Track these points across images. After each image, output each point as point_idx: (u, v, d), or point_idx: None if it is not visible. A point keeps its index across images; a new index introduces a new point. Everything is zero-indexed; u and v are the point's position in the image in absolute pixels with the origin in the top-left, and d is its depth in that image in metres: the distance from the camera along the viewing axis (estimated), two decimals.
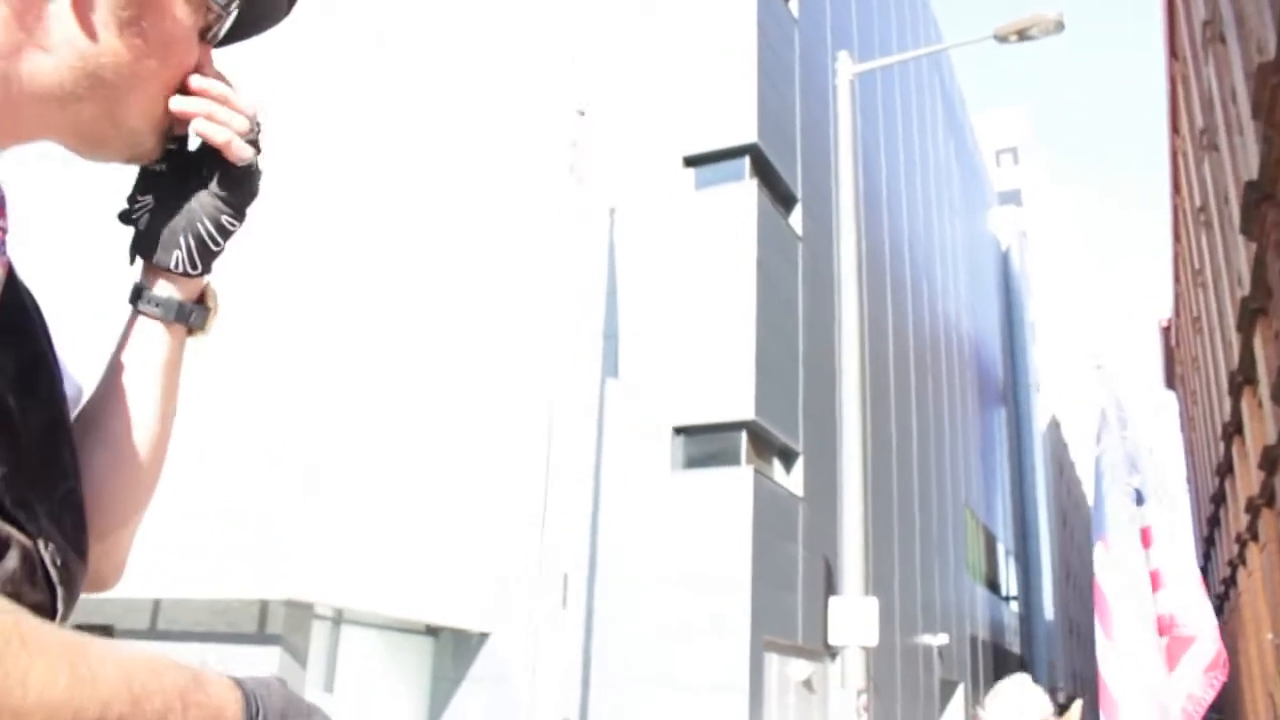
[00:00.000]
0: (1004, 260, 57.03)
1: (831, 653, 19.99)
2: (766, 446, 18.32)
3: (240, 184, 1.06)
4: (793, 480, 18.92)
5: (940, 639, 28.17)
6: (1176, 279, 73.60)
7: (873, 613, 11.35)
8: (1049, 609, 57.78)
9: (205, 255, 1.06)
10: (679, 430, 17.88)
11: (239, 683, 0.82)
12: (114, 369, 1.06)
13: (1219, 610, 60.49)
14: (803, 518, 18.69)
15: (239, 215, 1.07)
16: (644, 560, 16.92)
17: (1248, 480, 41.75)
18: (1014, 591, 46.83)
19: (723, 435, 17.55)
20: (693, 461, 17.76)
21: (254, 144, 1.05)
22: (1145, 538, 2.76)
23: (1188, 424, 78.33)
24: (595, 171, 17.52)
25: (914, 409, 28.89)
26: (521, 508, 17.57)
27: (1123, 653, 2.65)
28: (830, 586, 19.87)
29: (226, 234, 1.07)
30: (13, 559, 0.82)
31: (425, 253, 19.57)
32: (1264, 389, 34.06)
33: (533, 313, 19.02)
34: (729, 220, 18.18)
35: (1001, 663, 40.50)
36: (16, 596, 0.79)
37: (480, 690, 17.71)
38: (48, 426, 0.89)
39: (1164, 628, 2.70)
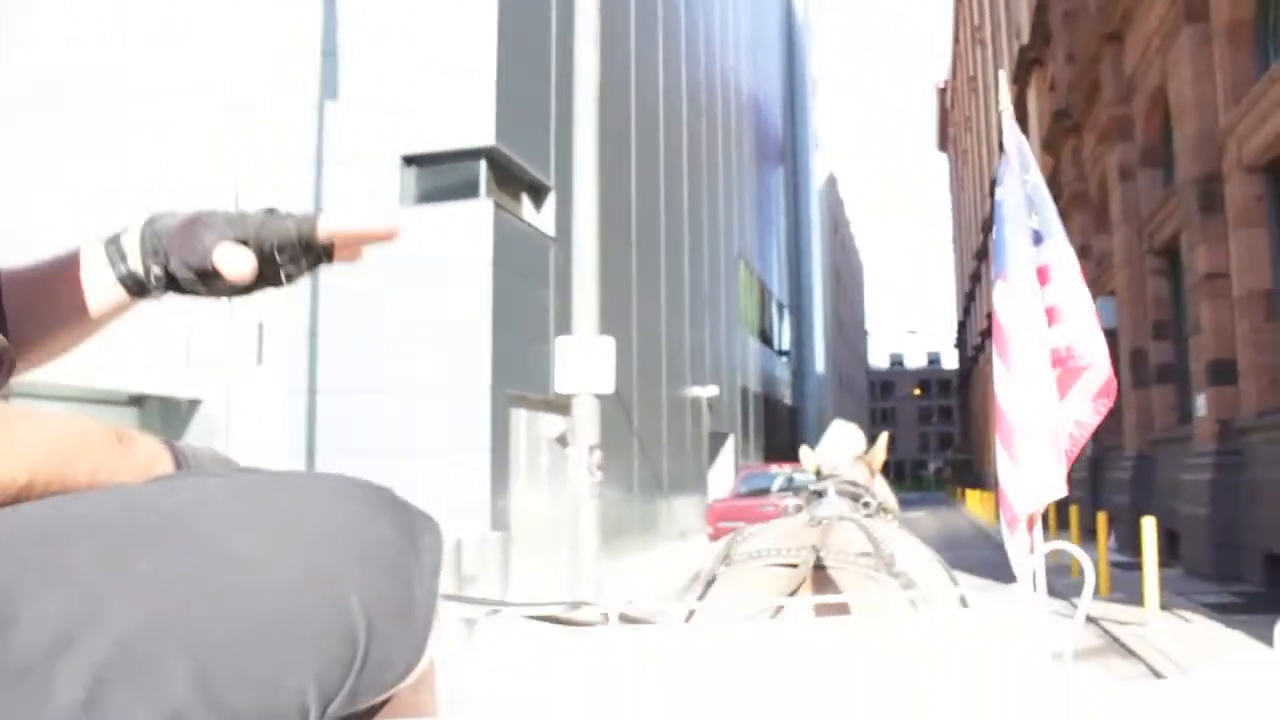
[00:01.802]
0: (788, 8, 54.94)
1: None
2: (511, 179, 16.16)
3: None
4: (543, 218, 16.94)
5: (710, 390, 27.50)
6: (956, 39, 73.91)
7: (607, 355, 9.65)
8: (820, 361, 59.31)
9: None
10: (409, 160, 15.46)
11: (165, 440, 0.84)
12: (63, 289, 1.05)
13: (975, 360, 63.88)
14: (554, 259, 16.82)
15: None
16: (369, 310, 14.72)
17: None
18: (787, 345, 47.28)
19: (459, 165, 15.27)
20: (425, 195, 15.48)
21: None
22: (1043, 275, 2.74)
23: (957, 184, 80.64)
24: None
25: (685, 158, 27.11)
26: None
27: (1020, 381, 2.63)
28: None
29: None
30: None
31: None
32: (1033, 142, 34.20)
33: (236, 26, 15.77)
34: None
35: (773, 414, 41.00)
36: None
37: None
38: None
39: (1058, 360, 2.67)
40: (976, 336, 61.01)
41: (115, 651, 0.61)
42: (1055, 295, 2.72)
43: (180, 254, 1.03)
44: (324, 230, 1.07)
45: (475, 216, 14.85)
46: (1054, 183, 27.98)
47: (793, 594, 2.37)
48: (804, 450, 3.44)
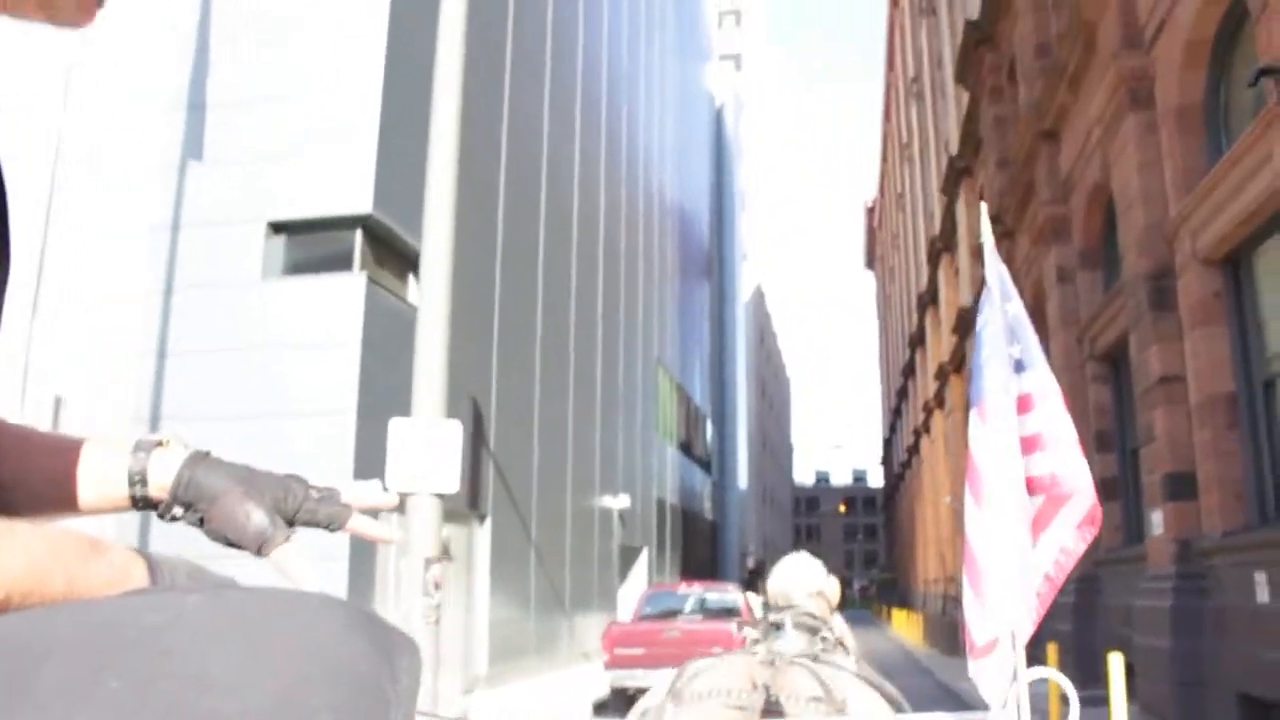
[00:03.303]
0: (717, 122, 54.77)
1: (480, 513, 16.71)
2: (392, 253, 14.47)
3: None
4: None
5: (622, 501, 25.61)
6: (884, 158, 74.75)
7: (453, 445, 7.77)
8: (743, 475, 57.63)
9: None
10: (276, 226, 13.71)
11: (139, 550, 0.84)
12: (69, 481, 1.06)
13: (901, 478, 62.84)
14: None
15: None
16: (225, 391, 12.80)
17: (938, 347, 42.08)
18: (709, 457, 45.59)
19: (331, 234, 13.56)
20: (293, 266, 13.69)
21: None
22: (1025, 404, 2.79)
23: (884, 301, 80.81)
24: None
25: (601, 257, 25.70)
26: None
27: (991, 518, 2.61)
28: (478, 429, 16.46)
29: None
30: None
31: None
32: (963, 253, 33.54)
33: (88, 74, 14.05)
34: None
35: (692, 528, 39.06)
36: None
37: None
38: None
39: (1041, 488, 2.67)
40: (903, 454, 60.13)
41: None
42: (1038, 424, 2.72)
43: (222, 527, 1.05)
44: (351, 529, 1.12)
45: (346, 291, 13.10)
46: (985, 284, 27.06)
47: None
48: (760, 593, 2.99)
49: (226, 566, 0.95)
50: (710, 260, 49.64)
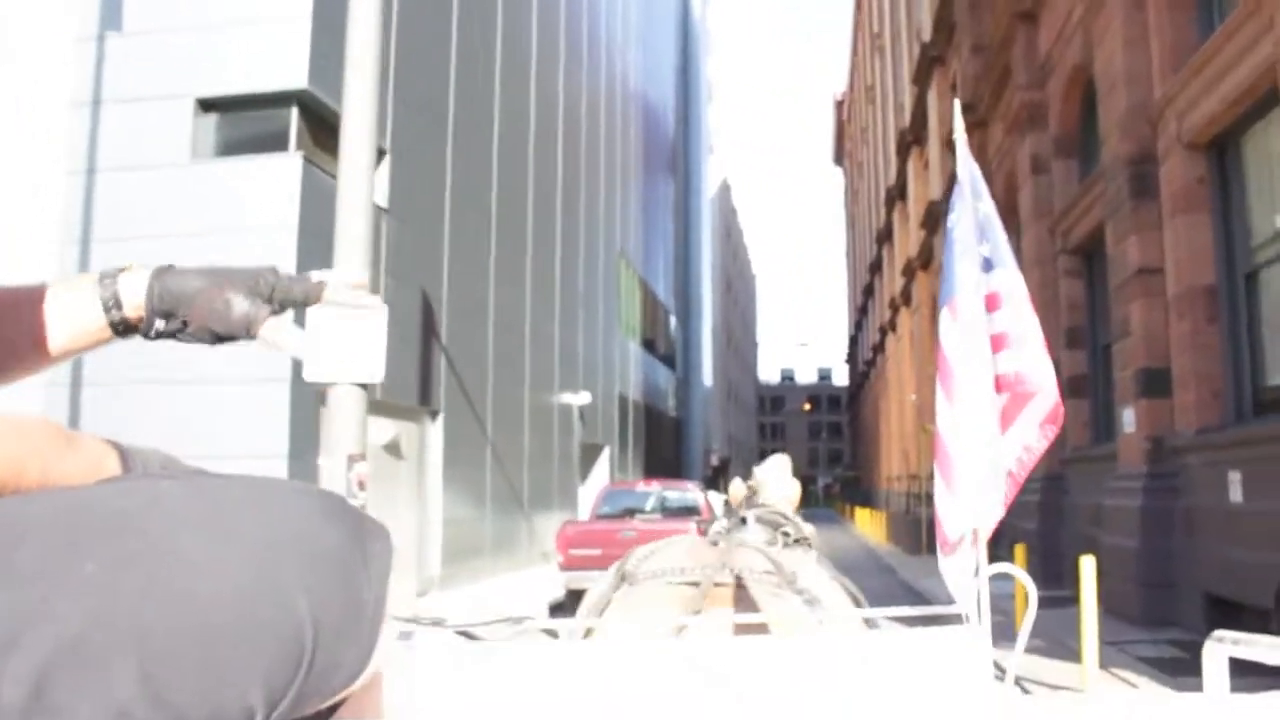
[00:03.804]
0: (684, 7, 53.04)
1: (432, 410, 16.12)
2: (327, 130, 13.52)
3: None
4: (375, 186, 14.33)
5: (582, 397, 25.08)
6: (854, 50, 73.12)
7: (377, 328, 7.12)
8: (708, 373, 57.30)
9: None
10: (205, 104, 12.76)
11: (112, 441, 0.85)
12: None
13: (866, 376, 62.83)
14: (388, 235, 14.28)
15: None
16: None
17: (906, 243, 41.51)
18: (673, 353, 45.12)
19: (265, 112, 12.63)
20: (225, 146, 12.79)
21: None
22: (993, 302, 2.77)
23: (851, 197, 79.88)
24: None
25: (560, 145, 24.71)
26: None
27: (961, 411, 2.68)
28: (429, 323, 15.78)
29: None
30: None
31: None
32: (933, 145, 32.77)
33: None
34: None
35: (655, 426, 38.75)
36: None
37: None
38: None
39: (1006, 386, 2.71)
40: (868, 352, 60.00)
41: (60, 650, 0.62)
42: (1004, 322, 2.72)
43: (207, 322, 1.07)
44: (329, 298, 1.16)
45: (282, 173, 12.23)
46: (956, 180, 26.37)
47: (697, 612, 2.41)
48: (736, 481, 3.50)
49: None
50: (675, 152, 48.46)
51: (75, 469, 0.77)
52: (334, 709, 0.73)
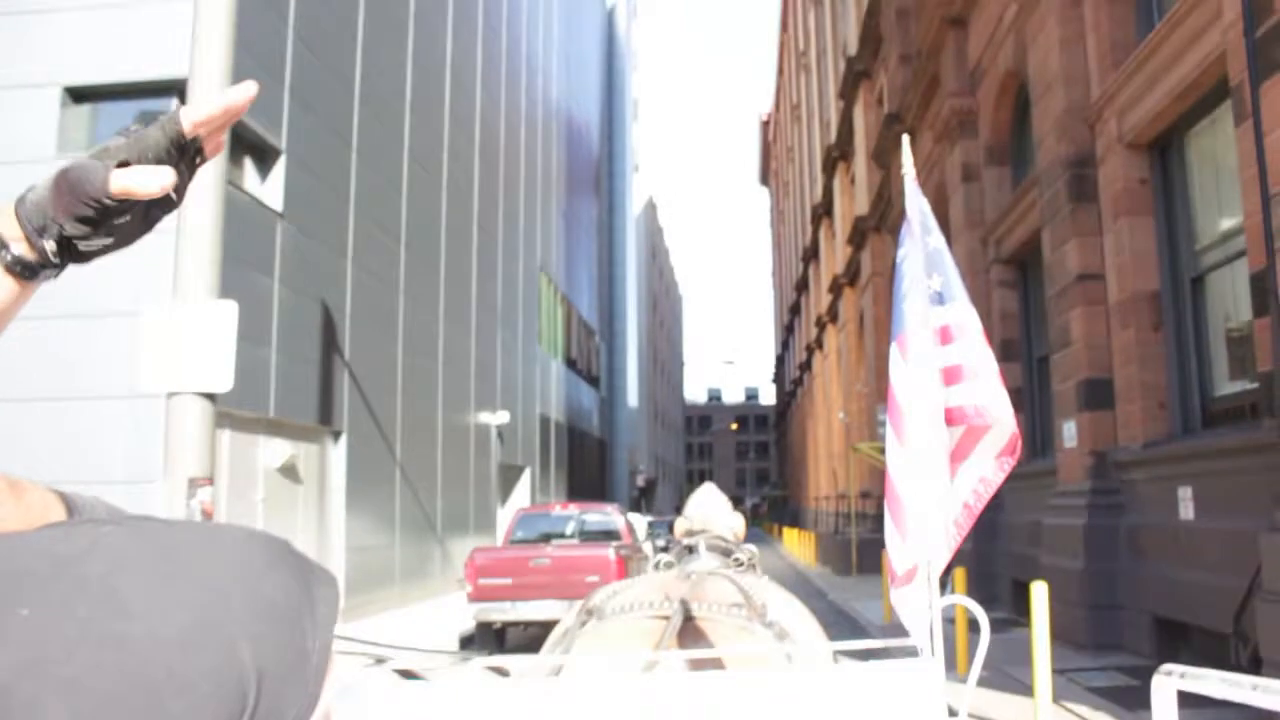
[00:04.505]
0: (609, 25, 52.46)
1: (334, 430, 15.06)
2: (228, 135, 12.53)
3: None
4: (269, 188, 13.32)
5: (500, 417, 24.08)
6: (780, 70, 73.21)
7: (225, 332, 6.09)
8: (634, 393, 56.46)
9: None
10: (75, 93, 11.65)
11: (57, 490, 0.84)
12: None
13: (793, 395, 62.51)
14: (282, 241, 13.26)
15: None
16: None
17: (832, 261, 41.19)
18: (597, 373, 44.21)
19: (142, 102, 11.56)
20: (96, 140, 11.67)
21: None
22: (946, 335, 2.79)
23: (778, 218, 79.84)
24: None
25: (478, 156, 23.80)
26: None
27: (912, 454, 2.66)
28: (330, 338, 14.73)
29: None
30: None
31: None
32: (859, 160, 32.43)
33: None
34: None
35: (579, 446, 37.79)
36: None
37: None
38: None
39: (961, 419, 2.73)
40: (795, 371, 59.68)
41: None
42: (959, 355, 2.71)
43: (71, 210, 0.93)
44: (189, 125, 0.97)
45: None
46: (883, 195, 25.98)
47: (667, 646, 2.39)
48: (679, 519, 3.58)
49: None
50: (599, 169, 47.72)
51: (19, 516, 0.77)
52: None
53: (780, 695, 1.82)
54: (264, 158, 13.24)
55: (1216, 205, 9.79)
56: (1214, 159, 9.88)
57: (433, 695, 1.82)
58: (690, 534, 3.40)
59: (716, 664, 2.21)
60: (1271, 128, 7.29)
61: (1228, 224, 9.48)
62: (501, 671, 2.33)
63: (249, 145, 13.03)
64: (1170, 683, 1.85)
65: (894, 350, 2.74)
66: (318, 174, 14.43)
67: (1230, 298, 9.58)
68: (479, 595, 12.14)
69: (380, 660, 2.03)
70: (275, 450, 13.24)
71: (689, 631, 2.44)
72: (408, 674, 2.03)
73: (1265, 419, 7.99)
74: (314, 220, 14.32)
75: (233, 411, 12.16)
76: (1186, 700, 1.70)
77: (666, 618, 2.44)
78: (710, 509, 3.56)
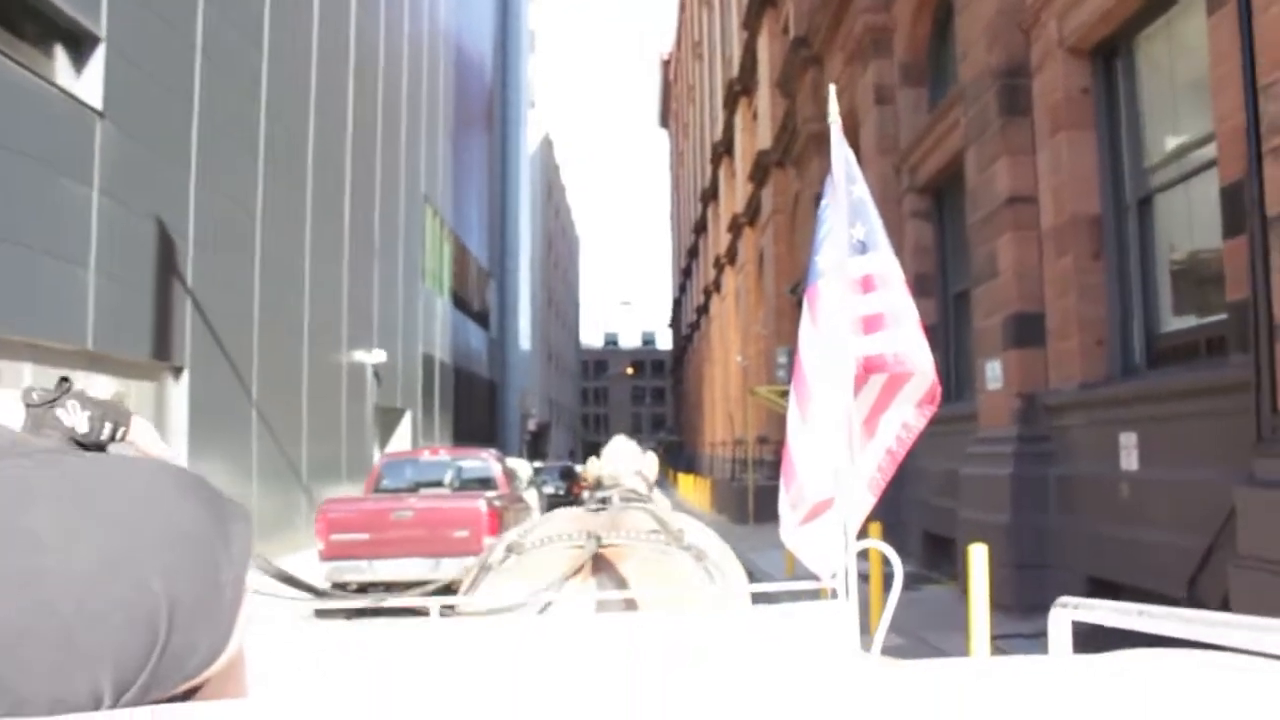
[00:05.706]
0: None
1: (174, 366, 13.30)
2: (29, 15, 10.57)
3: None
4: (85, 82, 11.39)
5: (377, 355, 22.33)
6: (683, 7, 71.41)
7: None
8: (526, 335, 54.77)
9: None
10: None
11: None
12: None
13: (690, 339, 61.58)
14: (103, 144, 11.40)
15: None
16: None
17: (732, 200, 39.96)
18: (488, 313, 42.44)
19: None
20: None
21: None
22: (868, 283, 2.78)
23: (677, 159, 78.41)
24: None
25: (351, 78, 21.85)
26: None
27: (817, 425, 2.67)
28: (168, 261, 12.93)
29: None
30: None
31: None
32: (762, 93, 31.09)
33: None
34: None
35: (467, 389, 36.14)
36: None
37: None
38: None
39: (880, 365, 2.75)
40: (692, 315, 58.69)
41: None
42: (880, 304, 2.74)
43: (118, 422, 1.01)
44: (131, 439, 1.02)
45: None
46: (788, 127, 24.70)
47: (578, 574, 2.45)
48: (590, 461, 3.70)
49: None
50: (493, 102, 45.58)
51: None
52: (192, 692, 0.68)
53: (693, 637, 1.86)
54: (79, 45, 11.31)
55: (1171, 118, 8.67)
56: (1168, 66, 8.74)
57: (348, 634, 1.90)
58: (601, 485, 3.50)
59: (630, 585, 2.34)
60: (1266, 5, 6.09)
61: (1183, 138, 8.36)
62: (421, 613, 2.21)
63: (60, 31, 11.09)
64: (1065, 614, 1.67)
65: (804, 315, 2.76)
66: (147, 70, 12.50)
67: (1184, 222, 8.49)
68: (331, 553, 10.63)
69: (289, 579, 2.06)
70: (96, 388, 11.45)
71: (610, 558, 2.51)
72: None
73: (1235, 355, 6.90)
74: (144, 124, 12.42)
75: (37, 341, 10.37)
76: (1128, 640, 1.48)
77: (582, 548, 2.53)
78: (616, 464, 3.62)
